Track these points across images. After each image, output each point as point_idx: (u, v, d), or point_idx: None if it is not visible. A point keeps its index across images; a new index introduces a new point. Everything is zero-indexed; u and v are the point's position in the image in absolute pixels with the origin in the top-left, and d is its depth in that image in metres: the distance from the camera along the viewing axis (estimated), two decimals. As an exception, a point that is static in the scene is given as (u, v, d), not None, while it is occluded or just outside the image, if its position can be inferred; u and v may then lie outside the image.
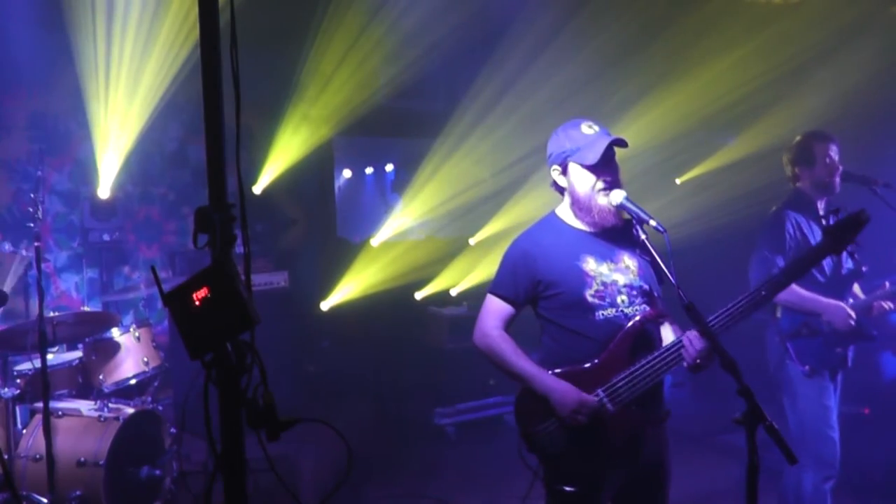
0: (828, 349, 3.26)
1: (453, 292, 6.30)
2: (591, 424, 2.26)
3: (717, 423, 5.12)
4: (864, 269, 3.32)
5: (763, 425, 1.85)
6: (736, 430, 1.88)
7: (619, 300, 2.35)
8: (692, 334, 2.24)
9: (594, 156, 2.31)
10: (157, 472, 3.78)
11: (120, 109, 5.50)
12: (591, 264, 2.37)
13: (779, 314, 3.36)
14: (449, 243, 6.82)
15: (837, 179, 3.37)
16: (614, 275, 2.37)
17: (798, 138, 3.48)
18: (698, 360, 2.22)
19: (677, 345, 2.27)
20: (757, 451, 1.85)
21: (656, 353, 2.30)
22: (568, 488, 2.31)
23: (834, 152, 3.36)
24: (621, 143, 2.34)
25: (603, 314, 2.33)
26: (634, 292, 2.38)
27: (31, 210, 3.46)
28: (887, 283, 3.31)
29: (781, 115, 5.77)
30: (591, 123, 2.40)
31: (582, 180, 2.37)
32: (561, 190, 2.49)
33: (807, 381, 3.29)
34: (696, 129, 6.30)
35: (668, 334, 2.46)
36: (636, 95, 6.04)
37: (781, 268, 2.42)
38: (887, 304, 3.30)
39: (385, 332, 6.29)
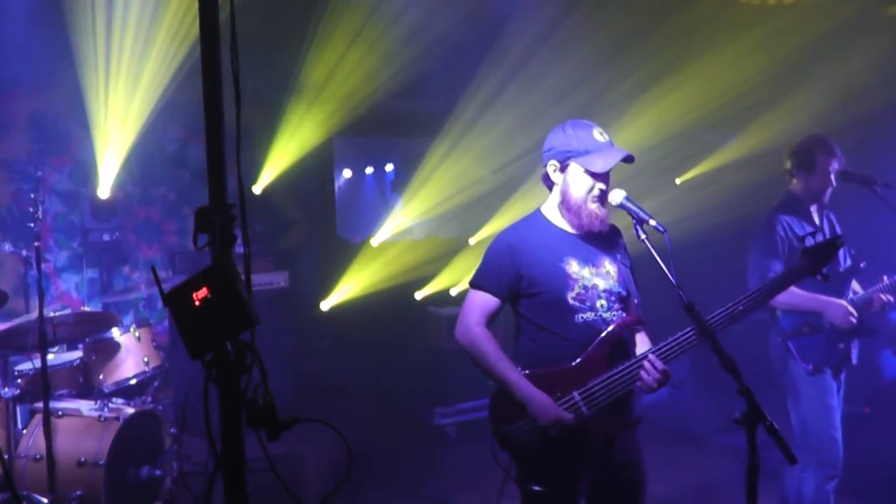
0: (830, 346, 3.27)
1: (453, 292, 6.29)
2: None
3: (717, 423, 5.13)
4: (861, 265, 3.33)
5: (763, 425, 1.85)
6: (736, 429, 1.88)
7: (598, 304, 2.36)
8: (651, 358, 2.26)
9: (604, 166, 2.32)
10: (158, 472, 3.78)
11: (120, 109, 5.50)
12: (573, 267, 2.38)
13: (779, 314, 3.36)
14: (449, 243, 6.81)
15: (828, 193, 3.41)
16: (595, 279, 2.38)
17: (804, 141, 3.46)
18: (655, 386, 2.25)
19: (641, 360, 2.29)
20: (757, 451, 1.85)
21: (633, 361, 2.31)
22: (538, 488, 2.32)
23: (834, 168, 3.38)
24: (630, 159, 2.35)
25: (582, 317, 2.34)
26: (613, 298, 2.39)
27: (31, 210, 3.46)
28: (885, 278, 3.32)
29: (781, 114, 5.77)
30: (601, 130, 2.40)
31: (579, 183, 2.37)
32: (550, 185, 2.49)
33: (810, 381, 3.29)
34: (694, 127, 6.29)
35: (641, 343, 2.48)
36: (635, 93, 6.04)
37: (757, 288, 2.45)
38: (887, 297, 3.31)
39: (385, 332, 6.28)
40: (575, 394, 2.29)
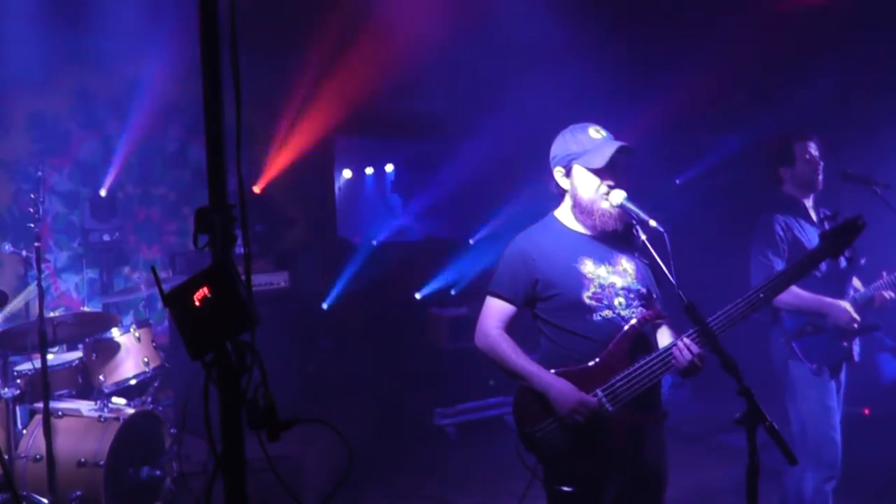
0: (833, 344, 3.27)
1: (453, 292, 6.30)
2: (589, 424, 2.26)
3: (717, 423, 5.13)
4: (862, 261, 3.33)
5: (763, 425, 1.85)
6: (736, 430, 1.89)
7: (616, 302, 2.36)
8: (685, 341, 2.25)
9: (601, 160, 2.32)
10: (158, 472, 3.78)
11: (120, 110, 5.49)
12: (588, 266, 2.38)
13: (782, 314, 3.36)
14: (449, 243, 6.82)
15: (820, 176, 3.39)
16: (612, 277, 2.38)
17: (775, 138, 3.50)
18: (689, 367, 2.24)
19: (671, 348, 2.28)
20: (757, 452, 1.85)
21: (654, 355, 2.31)
22: (566, 488, 2.32)
23: (813, 148, 3.38)
24: (628, 150, 2.34)
25: (601, 316, 2.35)
26: (632, 295, 2.39)
27: (31, 210, 3.46)
28: (885, 274, 3.32)
29: (781, 112, 5.76)
30: (598, 128, 2.42)
31: (586, 183, 2.38)
32: (562, 192, 2.50)
33: (810, 382, 3.29)
34: (695, 126, 6.29)
35: (665, 336, 2.47)
36: (636, 92, 6.03)
37: (780, 271, 2.44)
38: (888, 294, 3.31)
39: (385, 332, 6.29)
40: (598, 391, 2.29)
